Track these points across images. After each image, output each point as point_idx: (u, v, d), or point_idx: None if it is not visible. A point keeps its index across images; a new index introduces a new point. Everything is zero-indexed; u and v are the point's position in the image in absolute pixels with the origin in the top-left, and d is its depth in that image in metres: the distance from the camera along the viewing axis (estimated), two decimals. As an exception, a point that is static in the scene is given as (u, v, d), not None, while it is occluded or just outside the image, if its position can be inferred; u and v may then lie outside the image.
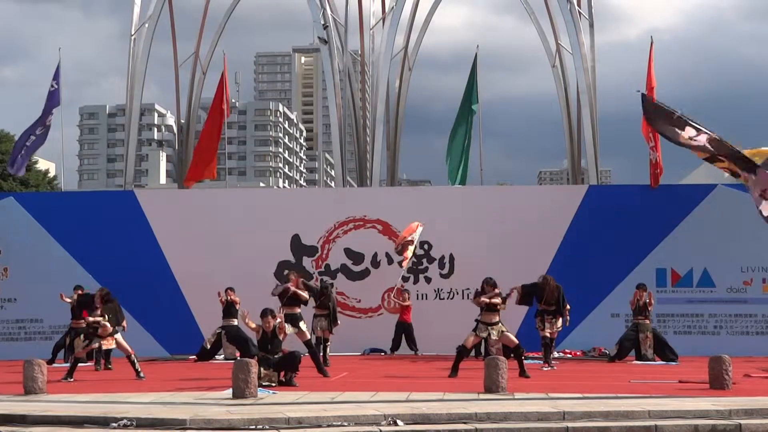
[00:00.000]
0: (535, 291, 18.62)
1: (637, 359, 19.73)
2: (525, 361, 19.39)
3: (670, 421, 11.24)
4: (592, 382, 15.41)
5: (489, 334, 16.71)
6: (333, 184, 79.90)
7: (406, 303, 22.01)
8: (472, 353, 20.11)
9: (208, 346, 20.63)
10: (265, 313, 15.25)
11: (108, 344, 17.11)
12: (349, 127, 27.29)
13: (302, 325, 16.88)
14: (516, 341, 16.75)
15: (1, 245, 22.40)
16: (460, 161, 26.89)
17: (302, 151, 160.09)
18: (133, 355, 16.83)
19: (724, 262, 21.86)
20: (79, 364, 19.51)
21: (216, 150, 27.55)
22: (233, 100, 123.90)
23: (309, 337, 17.10)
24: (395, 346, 21.89)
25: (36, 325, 22.26)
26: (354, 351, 21.68)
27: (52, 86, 24.60)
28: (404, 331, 21.87)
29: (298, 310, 17.03)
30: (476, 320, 16.77)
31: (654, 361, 19.53)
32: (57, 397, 13.37)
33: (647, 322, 19.87)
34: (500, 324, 16.69)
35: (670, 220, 22.11)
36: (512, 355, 16.84)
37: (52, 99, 24.65)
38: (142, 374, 16.51)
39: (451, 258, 22.62)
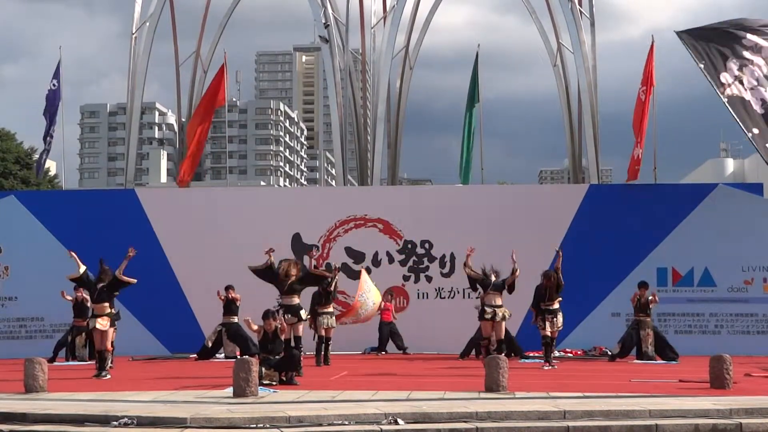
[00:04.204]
0: (541, 294, 18.62)
1: (637, 358, 19.73)
2: (525, 361, 19.56)
3: (670, 420, 11.24)
4: (592, 381, 15.41)
5: (494, 316, 16.82)
6: (334, 183, 79.93)
7: (389, 306, 22.08)
8: (472, 353, 20.21)
9: (210, 345, 20.62)
10: (267, 314, 15.31)
11: (102, 326, 16.76)
12: (350, 126, 27.28)
13: (302, 313, 16.98)
14: (502, 336, 16.97)
15: (2, 244, 22.41)
16: (468, 160, 26.97)
17: (303, 150, 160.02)
18: (109, 352, 16.76)
19: (725, 261, 21.86)
20: (80, 363, 19.58)
21: (197, 153, 26.87)
22: (234, 99, 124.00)
23: (301, 334, 17.08)
24: (382, 346, 21.91)
25: (37, 323, 22.26)
26: (354, 350, 21.69)
27: (53, 85, 24.62)
28: (389, 330, 21.91)
29: (297, 300, 17.03)
30: (482, 305, 16.93)
31: (655, 359, 19.54)
32: (58, 395, 13.37)
33: (648, 319, 19.87)
34: (503, 307, 16.88)
35: (670, 219, 22.10)
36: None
37: (54, 99, 24.69)
38: (105, 375, 16.29)
39: (452, 257, 22.61)
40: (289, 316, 16.71)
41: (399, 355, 21.62)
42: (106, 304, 16.92)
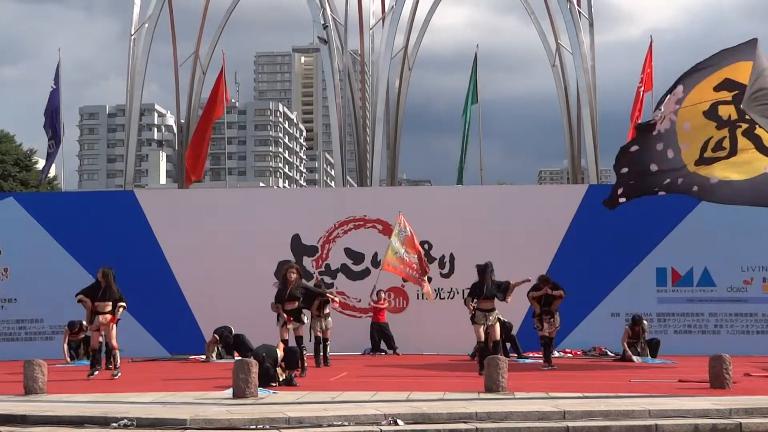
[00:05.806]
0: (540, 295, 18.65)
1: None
2: (525, 361, 19.56)
3: (670, 420, 11.24)
4: (592, 382, 15.41)
5: (487, 320, 16.81)
6: (333, 184, 79.92)
7: (382, 305, 22.05)
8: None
9: (214, 358, 20.45)
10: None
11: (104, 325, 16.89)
12: (349, 126, 27.31)
13: (304, 317, 16.84)
14: (498, 337, 16.94)
15: (1, 245, 22.40)
16: (462, 160, 27.07)
17: (302, 151, 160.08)
18: (116, 351, 16.81)
19: (725, 261, 21.84)
20: (80, 364, 19.59)
21: (204, 151, 27.62)
22: (233, 100, 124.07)
23: (302, 334, 16.98)
24: (374, 347, 21.91)
25: (36, 325, 22.25)
26: (354, 351, 21.69)
27: (52, 87, 24.68)
28: (379, 331, 21.90)
29: (297, 305, 16.74)
30: (474, 309, 16.85)
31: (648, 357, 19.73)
32: (57, 397, 13.36)
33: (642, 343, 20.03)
34: (496, 311, 16.89)
35: (670, 219, 22.08)
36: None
37: (54, 103, 24.75)
38: (117, 374, 16.47)
39: (452, 258, 22.60)
40: (293, 321, 16.70)
41: (399, 356, 21.58)
42: (109, 303, 16.98)
